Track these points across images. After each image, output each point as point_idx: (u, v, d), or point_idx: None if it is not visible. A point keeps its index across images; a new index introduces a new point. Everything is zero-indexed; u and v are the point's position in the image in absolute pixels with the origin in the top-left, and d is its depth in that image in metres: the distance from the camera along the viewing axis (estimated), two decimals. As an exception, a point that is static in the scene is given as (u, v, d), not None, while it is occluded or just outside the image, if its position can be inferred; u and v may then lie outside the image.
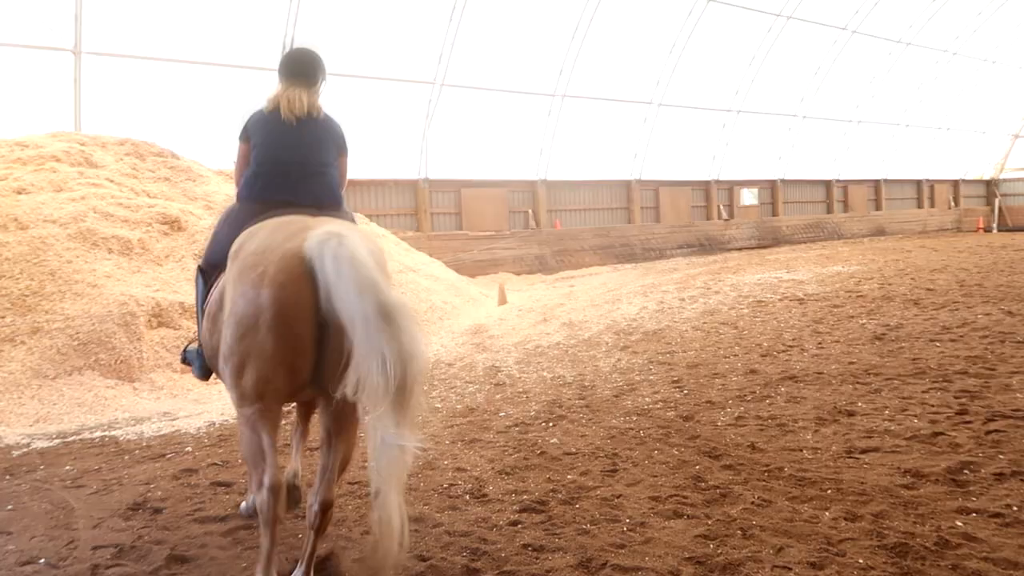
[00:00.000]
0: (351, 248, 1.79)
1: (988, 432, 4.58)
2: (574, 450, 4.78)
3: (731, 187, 24.21)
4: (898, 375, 6.05)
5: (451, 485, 4.30)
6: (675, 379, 6.44)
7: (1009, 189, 34.10)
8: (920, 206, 31.35)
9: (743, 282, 13.64)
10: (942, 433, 4.62)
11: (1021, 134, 33.46)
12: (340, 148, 2.82)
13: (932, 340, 7.33)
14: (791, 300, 10.89)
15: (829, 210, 27.62)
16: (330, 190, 2.58)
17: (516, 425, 5.41)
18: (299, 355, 1.84)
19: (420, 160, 17.04)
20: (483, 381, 6.89)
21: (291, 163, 2.52)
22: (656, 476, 4.25)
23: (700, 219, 23.40)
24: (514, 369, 7.35)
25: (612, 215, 21.22)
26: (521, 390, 6.46)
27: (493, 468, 4.54)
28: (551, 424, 5.38)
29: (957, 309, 9.18)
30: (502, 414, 5.73)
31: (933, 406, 5.18)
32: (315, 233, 1.87)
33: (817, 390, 5.78)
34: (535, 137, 19.00)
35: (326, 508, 2.31)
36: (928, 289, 11.18)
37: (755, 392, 5.85)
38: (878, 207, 29.49)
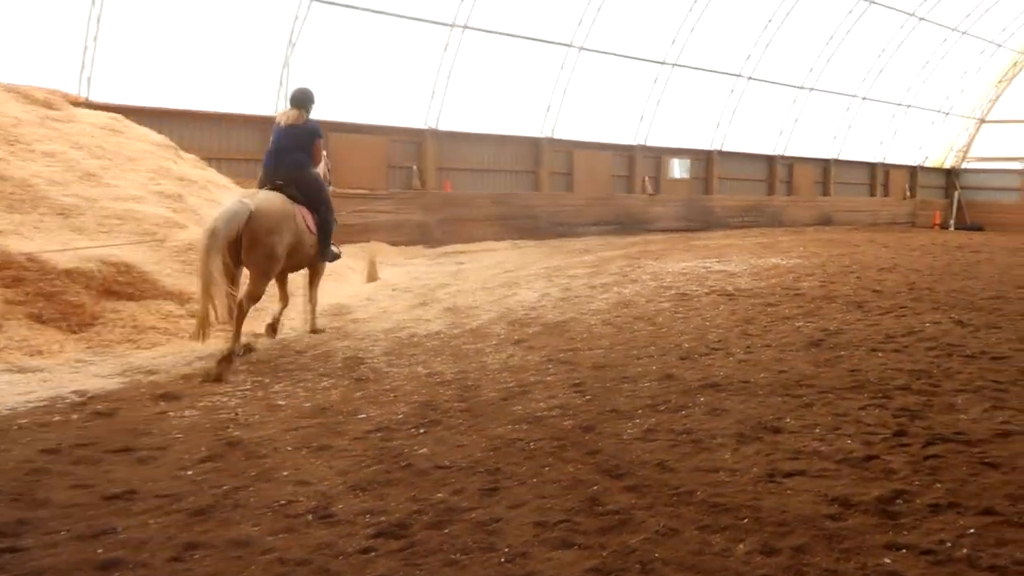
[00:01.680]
0: (237, 205, 6.69)
1: (926, 457, 4.90)
2: (447, 463, 4.79)
3: (659, 156, 24.87)
4: (833, 388, 6.38)
5: (289, 502, 4.21)
6: (576, 382, 6.56)
7: (970, 181, 36.62)
8: (873, 194, 33.22)
9: (666, 271, 14.05)
10: (876, 457, 4.90)
11: (988, 119, 35.89)
12: (310, 139, 7.59)
13: (874, 349, 7.77)
14: (720, 295, 11.30)
15: (771, 191, 28.84)
16: (293, 163, 7.41)
17: (378, 430, 5.36)
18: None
19: (278, 93, 16.56)
20: (340, 375, 6.80)
21: (279, 149, 7.39)
22: (544, 497, 4.31)
23: (621, 191, 23.92)
24: (381, 361, 7.29)
25: (516, 179, 21.37)
26: (388, 387, 6.41)
27: (344, 482, 4.49)
28: (422, 430, 5.37)
29: (904, 315, 9.77)
30: (361, 416, 5.67)
31: (869, 425, 5.49)
32: (247, 197, 6.82)
33: (741, 401, 6.01)
34: (425, 77, 18.88)
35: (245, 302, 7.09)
36: (874, 291, 11.85)
37: (670, 401, 6.03)
38: (826, 191, 31.03)
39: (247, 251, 7.18)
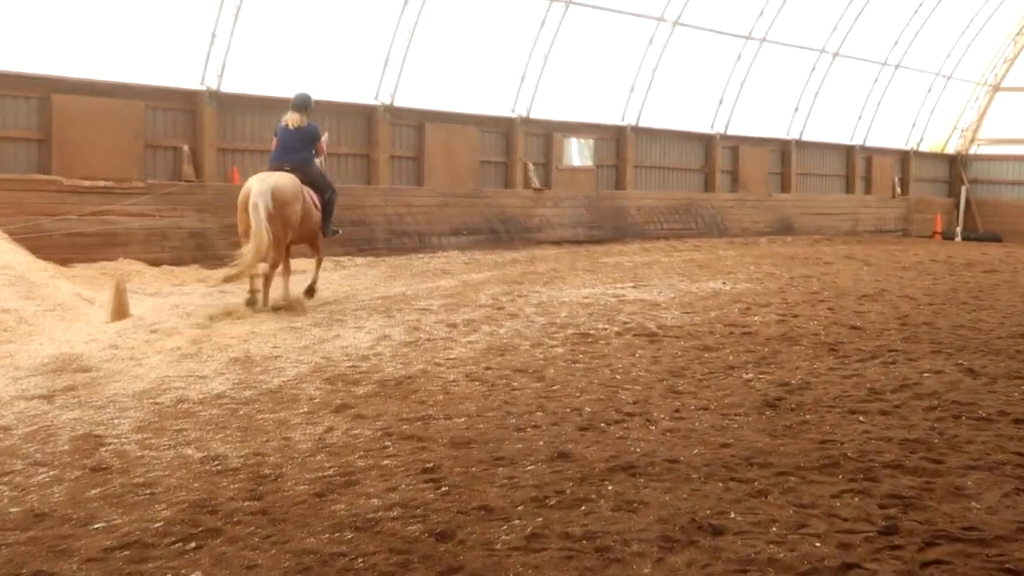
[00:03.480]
0: (264, 183, 13.02)
1: (925, 564, 5.08)
2: (233, 595, 4.67)
3: (548, 133, 25.31)
4: (797, 468, 6.55)
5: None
6: (428, 466, 6.53)
7: (983, 172, 38.72)
8: (850, 189, 34.71)
9: (560, 301, 14.23)
10: (857, 566, 5.04)
11: (1004, 85, 37.99)
12: (313, 139, 14.25)
13: (853, 411, 8.06)
14: (637, 335, 11.55)
15: (708, 185, 29.78)
16: (299, 159, 13.97)
17: (124, 547, 5.20)
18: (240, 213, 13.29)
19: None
20: (68, 462, 6.58)
21: (284, 147, 14.02)
22: (380, 642, 4.25)
23: (494, 186, 24.17)
24: (131, 441, 7.08)
25: (343, 167, 21.30)
26: (141, 480, 6.24)
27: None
28: (192, 545, 5.23)
29: (894, 362, 10.18)
30: (99, 525, 5.49)
31: (846, 520, 5.65)
32: (259, 176, 13.50)
33: (667, 490, 6.10)
34: (197, 20, 18.73)
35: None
36: (853, 327, 12.31)
37: (564, 492, 6.06)
38: (785, 186, 32.24)
39: (269, 221, 12.86)
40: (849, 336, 11.68)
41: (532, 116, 24.63)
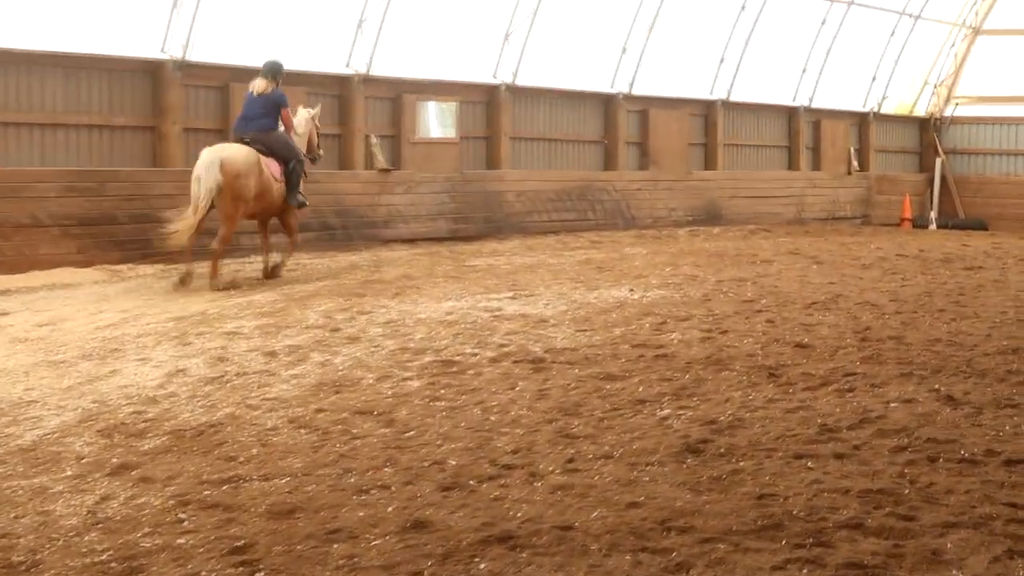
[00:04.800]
0: (213, 154, 17.34)
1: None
2: None
3: (397, 95, 25.23)
4: (728, 532, 6.60)
5: None
6: (239, 544, 6.45)
7: (962, 138, 39.44)
8: (793, 164, 35.21)
9: (415, 318, 14.19)
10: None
11: (986, 28, 38.71)
12: (277, 106, 18.40)
13: (799, 456, 8.14)
14: (518, 361, 11.58)
15: (610, 162, 29.96)
16: (260, 127, 18.15)
17: None
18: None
19: None
20: None
21: (246, 115, 18.37)
22: None
23: (326, 167, 23.96)
24: None
25: (113, 143, 21.00)
26: None
27: None
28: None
29: (852, 389, 10.32)
30: None
31: (793, 600, 5.73)
32: (211, 148, 18.01)
33: (558, 568, 6.09)
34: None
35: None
36: (799, 345, 12.48)
37: (421, 575, 6.03)
38: (710, 161, 32.60)
39: (218, 195, 16.96)
40: (794, 357, 11.82)
41: (374, 73, 24.51)
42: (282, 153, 18.00)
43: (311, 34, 23.69)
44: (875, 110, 37.55)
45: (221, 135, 22.29)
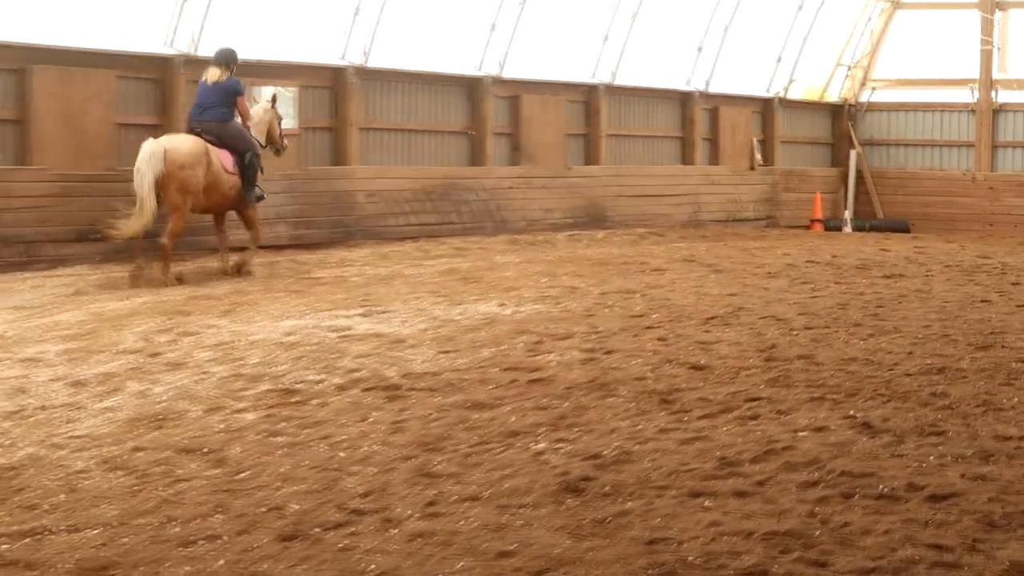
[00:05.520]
0: (155, 145, 19.61)
1: None
2: None
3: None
4: (613, 583, 6.67)
5: None
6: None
7: (880, 127, 39.85)
8: (688, 158, 35.36)
9: (250, 339, 14.12)
10: None
11: (904, 1, 39.12)
12: (232, 95, 20.95)
13: (695, 494, 8.21)
14: (370, 389, 11.59)
15: (477, 156, 29.90)
16: (214, 116, 20.67)
17: None
18: None
19: None
20: None
21: (200, 104, 20.99)
22: None
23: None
24: None
25: None
26: None
27: None
28: None
29: (756, 416, 10.44)
30: None
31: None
32: (153, 140, 20.06)
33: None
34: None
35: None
36: (695, 367, 12.61)
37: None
38: (592, 155, 32.66)
39: (163, 187, 18.99)
40: (690, 380, 11.92)
41: (201, 54, 24.28)
42: (236, 145, 20.33)
43: (122, 5, 23.45)
44: (781, 95, 37.77)
45: (19, 127, 22.04)
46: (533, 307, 16.81)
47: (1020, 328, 15.49)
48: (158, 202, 19.17)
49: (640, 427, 10.07)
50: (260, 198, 21.29)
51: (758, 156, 36.85)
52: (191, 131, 20.28)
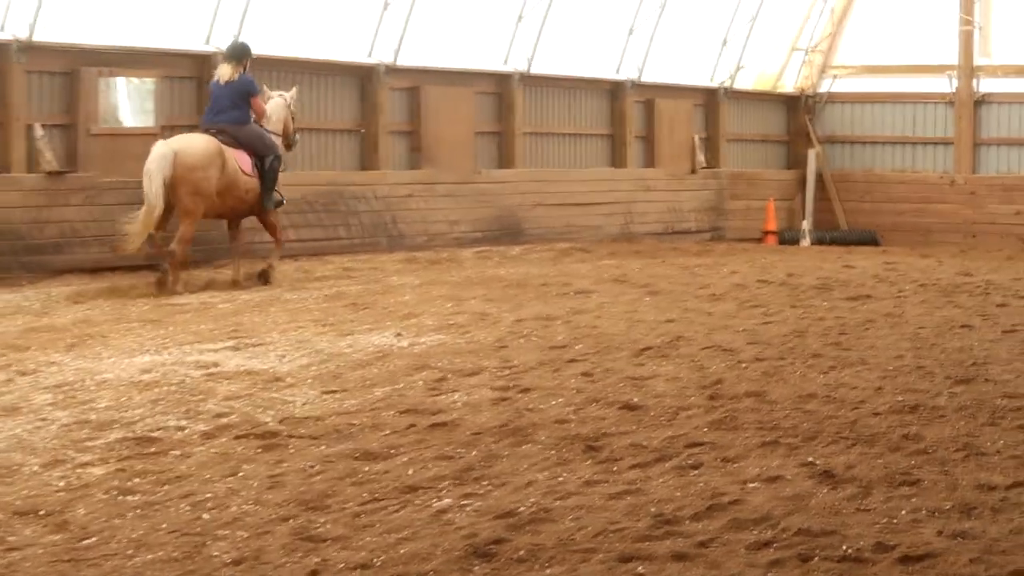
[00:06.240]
0: (165, 147, 22.17)
1: None
2: None
3: (73, 69, 24.81)
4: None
5: None
6: None
7: (843, 122, 40.00)
8: (619, 159, 35.36)
9: (98, 377, 14.06)
10: None
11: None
12: (246, 94, 23.27)
13: (626, 558, 8.17)
14: (242, 437, 11.55)
15: (368, 158, 29.90)
16: (229, 119, 23.02)
17: None
18: None
19: None
20: None
21: (214, 106, 23.50)
22: None
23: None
24: None
25: None
26: None
27: None
28: None
29: (698, 465, 10.44)
30: None
31: None
32: (165, 140, 23.08)
33: None
34: None
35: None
36: (626, 406, 12.63)
37: None
38: (506, 156, 32.64)
39: (173, 191, 21.22)
40: (620, 422, 11.91)
41: (42, 40, 24.15)
42: (256, 148, 22.30)
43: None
44: (727, 85, 37.88)
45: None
46: (435, 338, 16.81)
47: (1006, 358, 15.64)
48: (169, 207, 21.23)
49: (561, 479, 10.04)
50: (280, 203, 23.25)
51: (701, 157, 36.89)
52: (206, 131, 22.08)
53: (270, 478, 10.20)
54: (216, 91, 21.94)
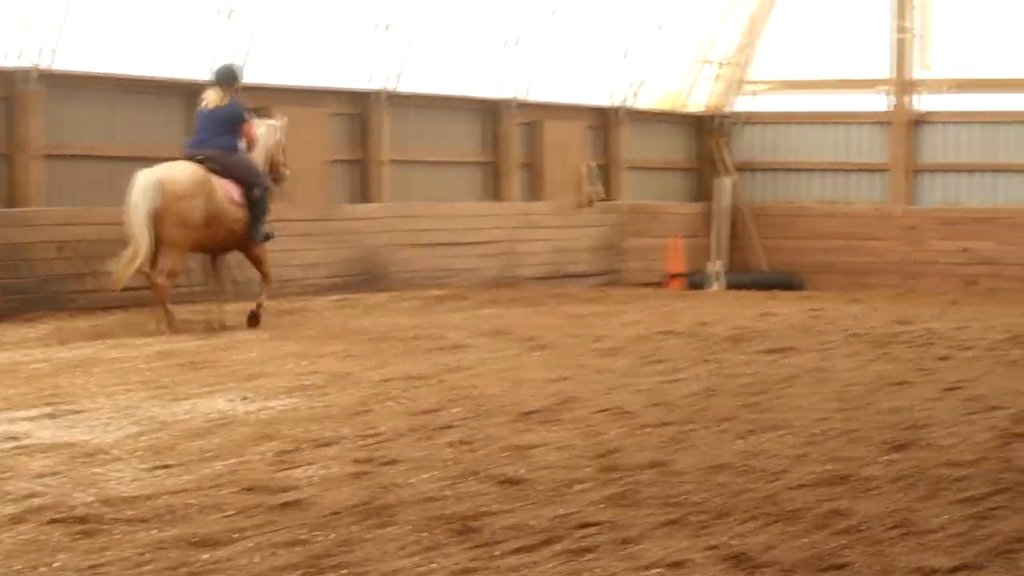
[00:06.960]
0: (150, 176, 24.43)
1: None
2: None
3: None
4: None
5: None
6: None
7: (761, 145, 40.16)
8: (500, 191, 35.39)
9: None
10: None
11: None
12: (234, 121, 25.40)
13: None
14: (55, 522, 11.26)
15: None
16: (217, 146, 25.06)
17: None
18: None
19: None
20: None
21: (199, 134, 26.09)
22: None
23: None
24: None
25: None
26: None
27: None
28: None
29: (591, 548, 10.32)
30: None
31: None
32: (148, 170, 25.40)
33: None
34: None
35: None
36: (506, 481, 12.61)
37: None
38: (369, 189, 32.72)
39: (159, 222, 22.99)
40: (500, 499, 11.92)
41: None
42: (244, 178, 23.82)
43: None
44: (627, 104, 38.00)
45: None
46: (285, 401, 16.79)
47: (949, 419, 15.71)
48: (158, 240, 22.72)
49: (432, 567, 10.01)
50: (269, 236, 24.62)
51: (595, 187, 36.92)
52: (190, 158, 23.49)
53: (90, 569, 10.10)
54: (200, 118, 23.38)
